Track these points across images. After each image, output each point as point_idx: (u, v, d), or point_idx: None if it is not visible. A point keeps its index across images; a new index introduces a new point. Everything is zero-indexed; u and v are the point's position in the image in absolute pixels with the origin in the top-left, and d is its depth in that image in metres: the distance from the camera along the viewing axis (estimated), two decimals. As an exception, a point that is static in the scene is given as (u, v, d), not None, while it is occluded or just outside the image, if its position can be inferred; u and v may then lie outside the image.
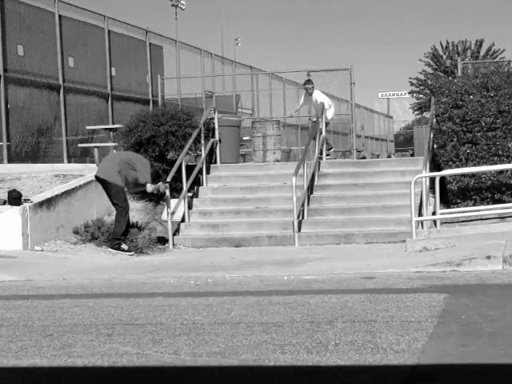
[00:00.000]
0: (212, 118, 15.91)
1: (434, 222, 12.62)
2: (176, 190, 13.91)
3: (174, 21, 56.20)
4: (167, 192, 13.04)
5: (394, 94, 51.73)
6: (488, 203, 13.00)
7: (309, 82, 18.32)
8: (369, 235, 12.57)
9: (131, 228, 12.44)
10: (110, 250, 12.07)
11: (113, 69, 22.11)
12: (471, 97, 13.37)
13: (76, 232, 12.77)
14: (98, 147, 16.60)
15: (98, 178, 12.41)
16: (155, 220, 13.86)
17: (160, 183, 12.85)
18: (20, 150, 18.08)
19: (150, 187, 12.49)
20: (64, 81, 19.53)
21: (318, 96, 17.84)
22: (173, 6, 55.87)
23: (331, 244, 12.47)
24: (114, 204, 12.27)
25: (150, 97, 23.99)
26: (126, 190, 12.54)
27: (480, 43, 58.72)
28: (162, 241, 13.09)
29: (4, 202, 11.96)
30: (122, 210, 12.13)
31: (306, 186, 13.53)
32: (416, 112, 62.28)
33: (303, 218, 13.27)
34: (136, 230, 12.64)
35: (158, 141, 14.50)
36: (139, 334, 6.07)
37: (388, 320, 6.22)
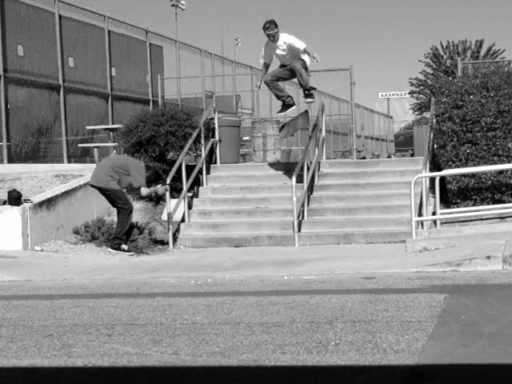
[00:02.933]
0: (212, 118, 15.91)
1: (434, 222, 12.62)
2: (176, 190, 13.91)
3: (174, 21, 56.24)
4: (167, 194, 12.97)
5: (394, 94, 51.77)
6: (488, 203, 13.01)
7: (271, 24, 13.33)
8: (369, 235, 12.57)
9: (133, 229, 12.44)
10: (110, 250, 12.07)
11: (113, 69, 22.12)
12: (471, 97, 13.37)
13: (76, 232, 12.77)
14: (98, 147, 16.61)
15: (92, 186, 12.36)
16: (155, 220, 13.86)
17: (159, 186, 12.73)
18: (20, 150, 18.08)
19: (144, 191, 12.31)
20: (64, 81, 19.53)
21: (287, 39, 13.48)
22: (173, 5, 55.90)
23: (331, 244, 12.47)
24: (117, 207, 12.21)
25: (150, 97, 24.00)
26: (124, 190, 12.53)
27: (480, 43, 58.78)
28: (162, 241, 13.09)
29: (4, 202, 11.96)
30: (126, 210, 12.10)
31: (305, 186, 13.54)
32: (416, 112, 62.31)
33: (303, 218, 13.28)
34: (136, 230, 12.64)
35: (158, 141, 14.51)
36: (139, 333, 6.07)
37: (388, 320, 6.22)
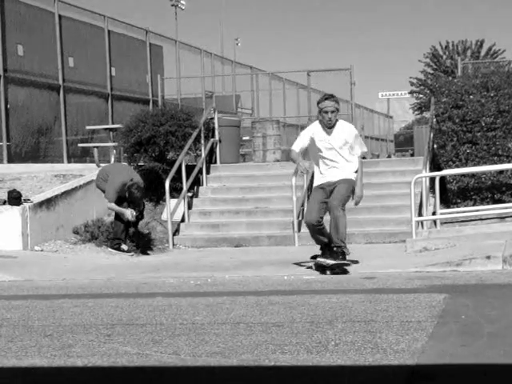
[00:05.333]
0: (212, 118, 15.92)
1: (434, 222, 12.62)
2: (176, 190, 13.91)
3: (174, 21, 56.23)
4: (167, 194, 12.82)
5: (394, 94, 51.72)
6: (488, 203, 13.01)
7: (331, 98, 9.41)
8: (369, 235, 12.57)
9: (131, 228, 12.43)
10: (109, 250, 12.08)
11: (113, 69, 22.13)
12: (471, 97, 13.38)
13: (76, 232, 12.77)
14: (97, 147, 16.61)
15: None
16: (155, 220, 13.85)
17: (129, 211, 11.97)
18: (20, 150, 18.08)
19: (108, 204, 12.06)
20: (64, 81, 19.53)
21: (349, 129, 9.50)
22: (172, 5, 55.88)
23: (331, 244, 12.46)
24: None
25: (150, 97, 24.00)
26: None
27: (480, 43, 58.77)
28: (162, 241, 13.09)
29: (4, 202, 11.96)
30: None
31: (305, 186, 13.54)
32: (416, 112, 62.31)
33: (303, 217, 13.27)
34: (135, 230, 12.63)
35: (157, 141, 14.51)
36: (139, 333, 6.07)
37: (388, 320, 6.22)
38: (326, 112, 9.30)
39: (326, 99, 9.32)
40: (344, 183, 9.38)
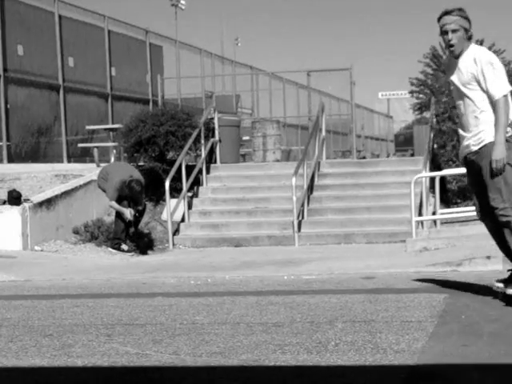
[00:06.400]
0: (212, 118, 15.93)
1: (434, 221, 12.62)
2: (176, 190, 13.91)
3: (174, 21, 56.19)
4: (167, 194, 12.88)
5: (394, 94, 51.75)
6: (488, 203, 13.01)
7: (453, 12, 6.27)
8: (369, 235, 12.57)
9: (131, 228, 12.44)
10: (110, 249, 12.08)
11: (113, 69, 22.15)
12: (471, 97, 13.36)
13: (76, 232, 12.77)
14: (97, 147, 16.61)
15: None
16: (155, 220, 13.86)
17: (129, 210, 12.12)
18: (20, 150, 18.10)
19: (109, 202, 12.22)
20: (64, 81, 19.55)
21: (480, 55, 6.15)
22: (173, 5, 55.83)
23: (331, 244, 12.48)
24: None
25: (150, 97, 24.02)
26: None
27: (480, 43, 58.69)
28: (162, 241, 13.09)
29: (4, 202, 11.96)
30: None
31: (305, 186, 13.55)
32: (416, 112, 62.26)
33: (303, 217, 13.28)
34: (136, 230, 12.64)
35: (157, 141, 14.51)
36: (139, 333, 6.07)
37: (388, 320, 6.21)
38: (446, 32, 6.28)
39: (445, 13, 6.32)
40: (488, 165, 6.15)
